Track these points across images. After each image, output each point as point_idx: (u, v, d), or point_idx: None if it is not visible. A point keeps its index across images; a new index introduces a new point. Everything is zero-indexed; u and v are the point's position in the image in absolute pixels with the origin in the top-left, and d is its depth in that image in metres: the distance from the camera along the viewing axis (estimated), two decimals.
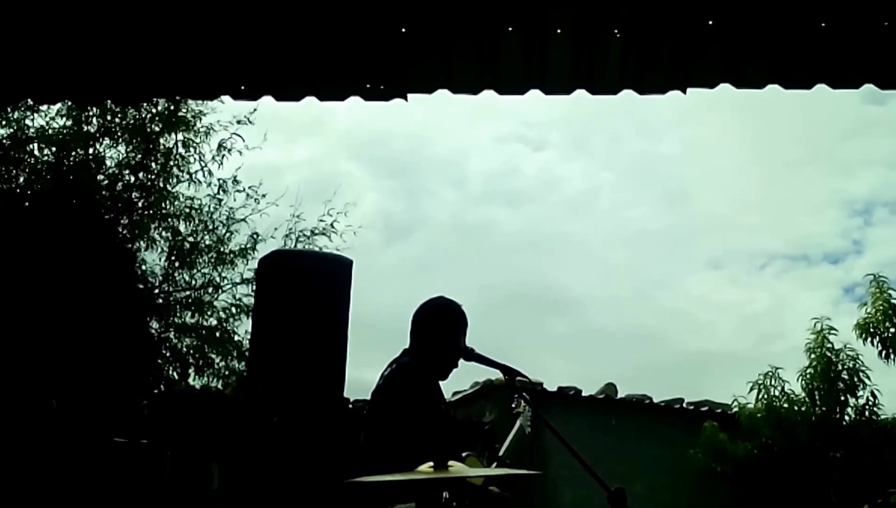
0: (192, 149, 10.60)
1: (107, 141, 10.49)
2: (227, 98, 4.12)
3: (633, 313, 19.03)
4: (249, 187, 10.82)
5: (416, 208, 21.34)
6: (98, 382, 8.26)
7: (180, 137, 10.56)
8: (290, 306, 4.65)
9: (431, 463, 2.36)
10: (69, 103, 9.16)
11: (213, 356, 10.51)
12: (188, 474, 7.88)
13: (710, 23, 3.61)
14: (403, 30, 3.68)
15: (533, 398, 3.09)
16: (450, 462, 2.40)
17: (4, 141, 9.99)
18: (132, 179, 10.57)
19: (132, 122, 10.41)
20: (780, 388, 8.87)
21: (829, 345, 8.71)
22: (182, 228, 10.69)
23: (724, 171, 21.74)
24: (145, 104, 9.98)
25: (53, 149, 10.18)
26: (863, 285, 8.57)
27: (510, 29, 3.64)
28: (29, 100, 6.69)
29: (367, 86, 3.80)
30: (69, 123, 10.26)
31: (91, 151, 10.41)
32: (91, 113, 10.19)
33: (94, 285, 8.73)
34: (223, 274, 10.78)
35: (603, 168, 23.45)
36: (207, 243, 10.76)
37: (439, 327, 3.60)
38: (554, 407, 8.74)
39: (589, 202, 22.18)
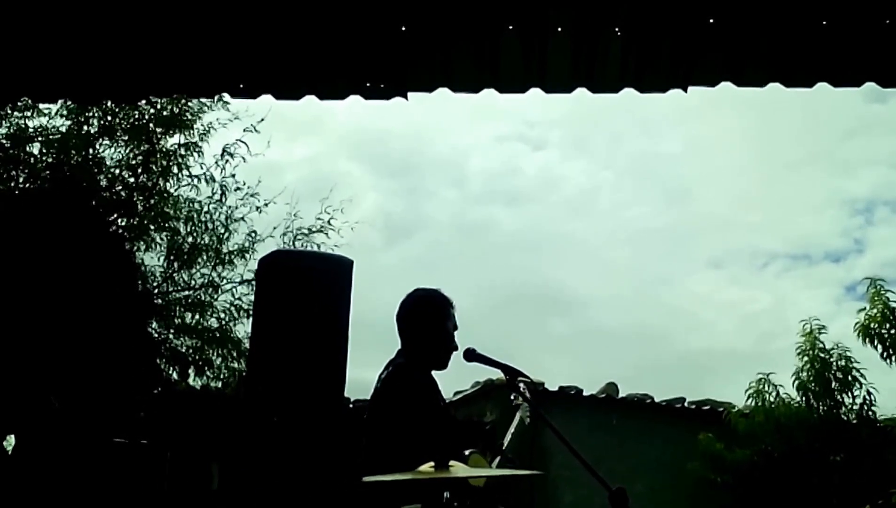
0: (192, 151, 10.61)
1: (107, 141, 10.50)
2: (226, 97, 4.12)
3: (634, 313, 19.07)
4: (248, 187, 10.85)
5: (416, 207, 21.37)
6: (98, 382, 8.26)
7: (181, 139, 10.58)
8: (290, 306, 4.65)
9: (432, 463, 2.36)
10: (69, 103, 9.16)
11: (213, 356, 10.52)
12: (188, 474, 7.87)
13: (711, 21, 3.61)
14: (404, 28, 3.68)
15: (534, 397, 3.08)
16: (451, 462, 2.39)
17: (4, 141, 9.98)
18: (132, 179, 10.58)
19: (132, 122, 10.40)
20: (774, 393, 8.86)
21: (821, 345, 8.71)
22: (182, 228, 10.72)
23: (725, 170, 21.78)
24: (145, 104, 9.97)
25: (53, 149, 10.18)
26: (864, 285, 8.57)
27: (510, 27, 3.64)
28: (28, 98, 6.67)
29: (368, 84, 3.80)
30: (69, 123, 10.28)
31: (91, 151, 10.42)
32: (91, 113, 10.19)
33: (94, 285, 8.72)
34: (222, 274, 10.80)
35: (603, 167, 23.50)
36: (206, 242, 10.76)
37: (422, 318, 3.58)
38: (555, 407, 8.74)
39: (589, 202, 22.21)
